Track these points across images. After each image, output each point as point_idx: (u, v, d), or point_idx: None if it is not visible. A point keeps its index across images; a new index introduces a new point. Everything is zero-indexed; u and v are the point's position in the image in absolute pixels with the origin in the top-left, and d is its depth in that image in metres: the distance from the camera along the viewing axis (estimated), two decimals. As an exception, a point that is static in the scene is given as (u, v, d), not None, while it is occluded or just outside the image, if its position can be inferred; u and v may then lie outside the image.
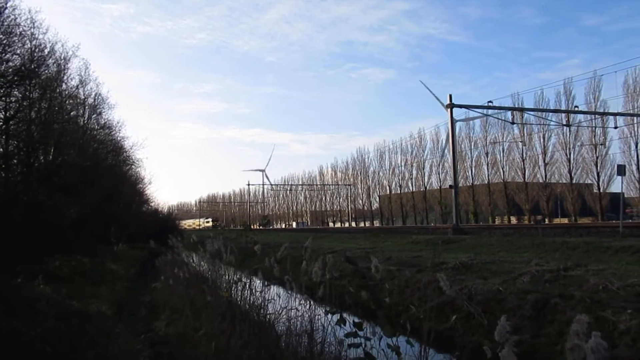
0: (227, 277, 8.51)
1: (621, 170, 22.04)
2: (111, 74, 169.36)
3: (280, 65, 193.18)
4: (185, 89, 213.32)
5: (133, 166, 32.95)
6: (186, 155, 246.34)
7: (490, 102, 30.91)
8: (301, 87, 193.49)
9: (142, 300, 11.43)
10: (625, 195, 48.33)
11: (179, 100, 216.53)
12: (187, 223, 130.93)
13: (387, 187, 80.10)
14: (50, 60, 17.93)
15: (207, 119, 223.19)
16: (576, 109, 39.62)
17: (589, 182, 53.63)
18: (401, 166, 76.86)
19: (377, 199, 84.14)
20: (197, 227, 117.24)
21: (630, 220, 40.37)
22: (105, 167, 24.58)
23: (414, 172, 74.22)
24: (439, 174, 69.80)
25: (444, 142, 63.99)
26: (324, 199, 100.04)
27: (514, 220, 59.06)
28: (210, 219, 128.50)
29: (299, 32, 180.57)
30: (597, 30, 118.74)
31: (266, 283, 6.69)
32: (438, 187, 69.17)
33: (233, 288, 7.40)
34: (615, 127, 38.15)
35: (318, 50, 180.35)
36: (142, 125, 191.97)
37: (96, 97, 24.94)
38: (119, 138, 29.30)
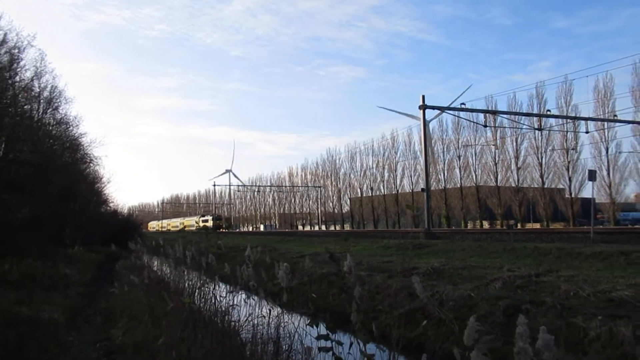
0: (189, 282, 8.39)
1: (592, 176, 22.68)
2: (64, 66, 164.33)
3: (246, 60, 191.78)
4: (145, 83, 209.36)
5: (91, 164, 32.20)
6: (147, 153, 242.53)
7: (462, 104, 31.38)
8: (268, 83, 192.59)
9: (98, 307, 11.16)
10: (596, 201, 49.85)
11: (138, 95, 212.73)
12: (170, 223, 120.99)
13: (359, 190, 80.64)
14: (1, 49, 17.39)
15: (169, 115, 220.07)
16: (548, 112, 40.63)
17: (561, 186, 55.16)
18: (373, 168, 77.53)
19: (348, 202, 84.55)
20: (182, 229, 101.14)
21: (601, 226, 41.62)
22: (61, 165, 23.93)
23: (386, 174, 75.00)
24: (411, 177, 70.67)
25: (416, 143, 64.90)
26: (293, 201, 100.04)
27: (486, 224, 60.17)
28: (208, 217, 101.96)
29: (265, 25, 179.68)
30: (568, 33, 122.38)
31: (231, 289, 6.62)
32: (410, 190, 69.93)
33: (196, 294, 7.29)
34: (587, 132, 39.26)
35: (285, 45, 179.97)
36: (100, 121, 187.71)
37: (52, 90, 24.28)
38: (76, 134, 28.57)
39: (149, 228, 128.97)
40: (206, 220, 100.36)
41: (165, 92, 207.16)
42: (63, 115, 26.09)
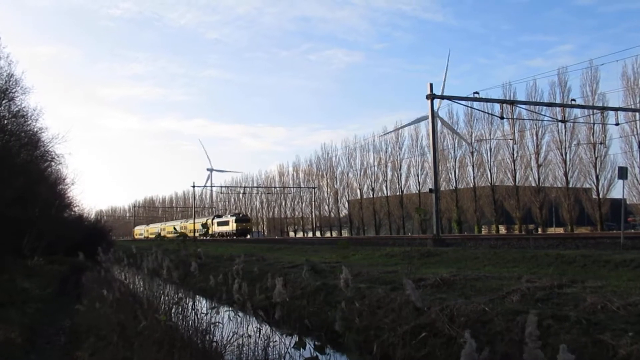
0: (166, 297, 8.40)
1: (622, 173, 22.77)
2: (18, 50, 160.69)
3: (225, 44, 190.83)
4: (110, 70, 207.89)
5: (52, 163, 32.13)
6: (116, 150, 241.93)
7: (476, 93, 31.52)
8: (250, 70, 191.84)
9: (61, 326, 11.15)
10: (627, 202, 50.07)
11: (103, 84, 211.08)
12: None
13: (358, 191, 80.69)
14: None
15: (138, 107, 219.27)
16: (573, 102, 40.82)
17: (587, 186, 55.28)
18: (374, 166, 77.53)
19: (346, 205, 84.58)
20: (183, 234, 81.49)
21: (632, 230, 41.79)
22: (18, 164, 23.88)
23: (389, 173, 75.08)
24: (418, 176, 70.71)
25: (423, 138, 64.99)
26: (283, 204, 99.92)
27: (502, 229, 60.35)
28: (227, 218, 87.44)
29: (245, 4, 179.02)
30: (592, 12, 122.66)
31: (213, 304, 6.63)
32: (417, 191, 69.98)
33: (173, 310, 7.30)
34: (616, 124, 39.34)
35: (269, 26, 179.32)
36: (60, 114, 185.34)
37: (8, 79, 24.21)
38: (35, 129, 28.49)
39: (135, 235, 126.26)
40: (225, 223, 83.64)
41: (134, 80, 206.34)
42: (20, 107, 26.01)
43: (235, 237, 72.75)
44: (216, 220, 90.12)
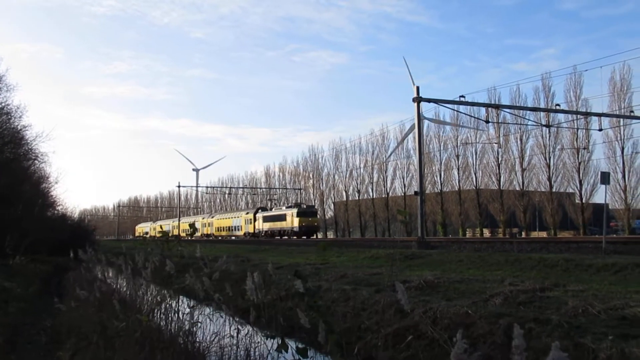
0: (148, 296, 8.34)
1: (605, 179, 22.94)
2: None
3: (209, 43, 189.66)
4: (94, 68, 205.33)
5: (36, 161, 31.81)
6: (100, 149, 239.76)
7: (462, 96, 31.62)
8: (235, 70, 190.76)
9: (43, 326, 11.04)
10: (610, 207, 50.57)
11: (86, 82, 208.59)
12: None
13: (344, 193, 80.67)
14: None
15: (122, 105, 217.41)
16: (557, 107, 41.14)
17: (571, 190, 55.74)
18: (360, 168, 77.56)
19: (332, 206, 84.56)
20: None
21: (614, 235, 42.24)
22: (1, 162, 23.61)
23: (375, 175, 75.15)
24: (403, 179, 70.89)
25: (409, 141, 65.17)
26: (269, 205, 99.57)
27: (487, 232, 60.72)
28: (282, 210, 66.94)
29: (230, 3, 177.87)
30: (576, 16, 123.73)
31: (193, 303, 6.59)
32: (402, 194, 70.15)
33: (155, 310, 7.25)
34: (600, 130, 39.67)
35: (254, 26, 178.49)
36: (42, 112, 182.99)
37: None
38: (19, 127, 28.21)
39: (137, 232, 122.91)
40: (279, 218, 63.52)
41: (117, 79, 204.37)
42: (4, 104, 25.74)
43: (297, 238, 55.52)
44: (261, 214, 70.07)
